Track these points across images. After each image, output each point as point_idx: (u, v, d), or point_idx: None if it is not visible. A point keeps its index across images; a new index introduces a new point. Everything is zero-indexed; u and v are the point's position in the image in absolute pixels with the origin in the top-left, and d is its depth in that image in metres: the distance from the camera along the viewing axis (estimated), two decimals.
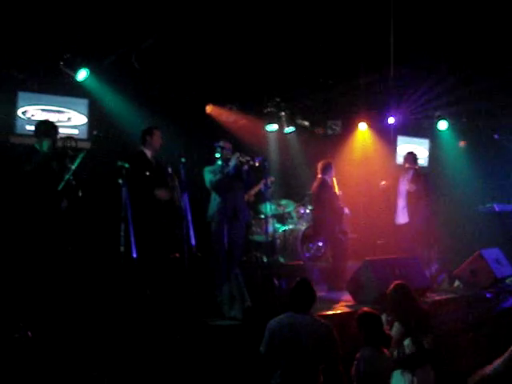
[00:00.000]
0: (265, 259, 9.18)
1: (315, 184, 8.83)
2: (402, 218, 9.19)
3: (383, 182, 9.37)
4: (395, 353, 5.36)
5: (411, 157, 9.42)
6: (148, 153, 7.34)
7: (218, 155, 7.77)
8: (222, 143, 7.85)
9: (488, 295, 7.98)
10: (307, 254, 9.56)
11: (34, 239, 6.22)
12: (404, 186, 9.29)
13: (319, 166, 8.82)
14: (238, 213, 7.64)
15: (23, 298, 5.76)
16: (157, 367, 5.20)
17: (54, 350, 5.00)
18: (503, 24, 8.14)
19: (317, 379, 4.83)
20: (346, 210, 8.97)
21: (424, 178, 9.11)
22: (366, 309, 5.33)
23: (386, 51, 8.82)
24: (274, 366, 4.84)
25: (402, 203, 9.25)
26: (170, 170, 6.85)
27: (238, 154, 7.51)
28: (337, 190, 8.92)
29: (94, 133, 6.96)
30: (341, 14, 7.95)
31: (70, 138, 6.78)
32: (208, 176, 7.75)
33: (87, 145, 8.29)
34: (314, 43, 8.58)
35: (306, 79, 9.79)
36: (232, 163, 7.53)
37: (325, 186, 8.71)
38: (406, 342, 5.38)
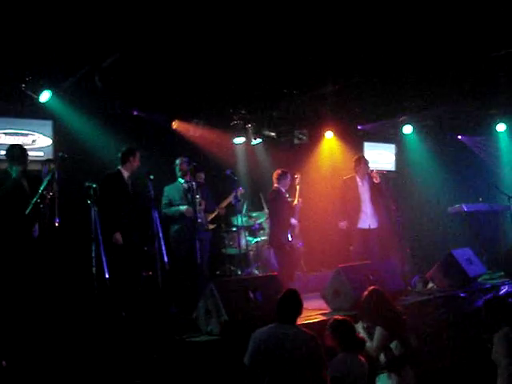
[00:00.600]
0: (238, 272, 9.16)
1: (269, 194, 8.86)
2: (371, 222, 9.09)
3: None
4: (382, 356, 5.38)
5: (364, 160, 9.38)
6: (125, 173, 7.40)
7: (177, 173, 7.94)
8: (179, 161, 8.01)
9: (462, 295, 8.06)
10: None
11: (6, 265, 6.13)
12: (366, 190, 9.18)
13: (274, 175, 8.74)
14: (198, 231, 7.64)
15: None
16: None
17: (30, 378, 4.91)
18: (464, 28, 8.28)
19: None
20: (293, 221, 8.85)
21: (382, 180, 9.12)
22: (336, 316, 5.35)
23: (352, 59, 8.91)
24: (258, 378, 4.80)
25: (367, 208, 9.12)
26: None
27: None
28: (296, 199, 8.85)
29: (60, 154, 6.88)
30: (305, 24, 7.98)
31: (49, 160, 6.78)
32: (164, 200, 8.01)
33: (53, 167, 8.20)
34: (278, 54, 8.60)
35: (271, 90, 9.81)
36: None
37: (276, 195, 8.66)
38: (393, 344, 5.40)
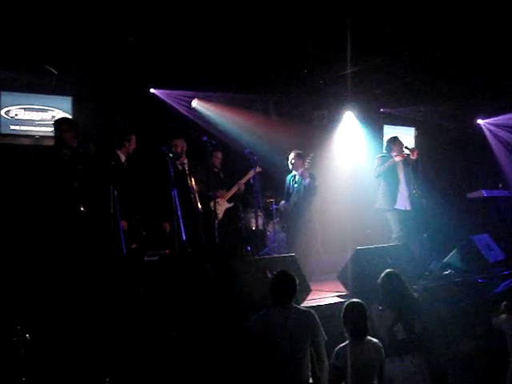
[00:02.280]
0: (255, 252, 9.15)
1: None
2: (407, 204, 8.76)
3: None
4: (386, 339, 5.35)
5: (399, 140, 9.02)
6: (122, 157, 7.24)
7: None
8: (172, 142, 7.79)
9: (480, 281, 8.00)
10: None
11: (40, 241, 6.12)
12: (401, 170, 8.77)
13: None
14: (191, 210, 7.56)
15: (21, 300, 5.67)
16: (155, 364, 5.16)
17: (53, 352, 4.94)
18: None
19: (306, 368, 4.82)
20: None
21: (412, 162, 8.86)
22: (351, 300, 5.26)
23: (371, 41, 8.83)
24: (260, 360, 4.82)
25: (404, 189, 8.75)
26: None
27: None
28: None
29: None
30: (324, 5, 7.91)
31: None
32: None
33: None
34: (299, 33, 8.54)
35: (292, 70, 9.76)
36: None
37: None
38: (397, 327, 5.36)
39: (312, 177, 8.57)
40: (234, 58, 8.98)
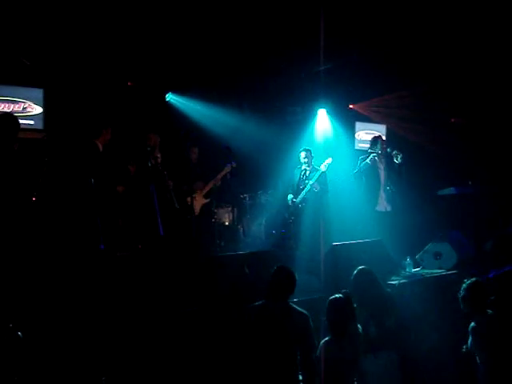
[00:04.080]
0: (230, 248, 9.11)
1: None
2: (387, 205, 8.98)
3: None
4: (361, 337, 5.38)
5: (381, 140, 9.21)
6: (100, 146, 7.10)
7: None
8: (147, 137, 7.74)
9: (452, 277, 8.08)
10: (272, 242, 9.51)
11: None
12: (382, 171, 8.97)
13: None
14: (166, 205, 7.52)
15: (12, 298, 5.56)
16: (149, 362, 5.14)
17: (46, 350, 4.86)
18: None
19: (293, 368, 4.79)
20: None
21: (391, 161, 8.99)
22: (335, 295, 5.25)
23: (346, 39, 8.89)
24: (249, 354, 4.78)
25: (383, 190, 8.95)
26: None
27: None
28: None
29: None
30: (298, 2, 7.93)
31: None
32: None
33: (43, 135, 8.10)
34: (273, 30, 8.54)
35: (266, 66, 9.75)
36: None
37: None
38: (369, 324, 5.41)
39: (325, 176, 8.90)
40: (208, 53, 8.93)
